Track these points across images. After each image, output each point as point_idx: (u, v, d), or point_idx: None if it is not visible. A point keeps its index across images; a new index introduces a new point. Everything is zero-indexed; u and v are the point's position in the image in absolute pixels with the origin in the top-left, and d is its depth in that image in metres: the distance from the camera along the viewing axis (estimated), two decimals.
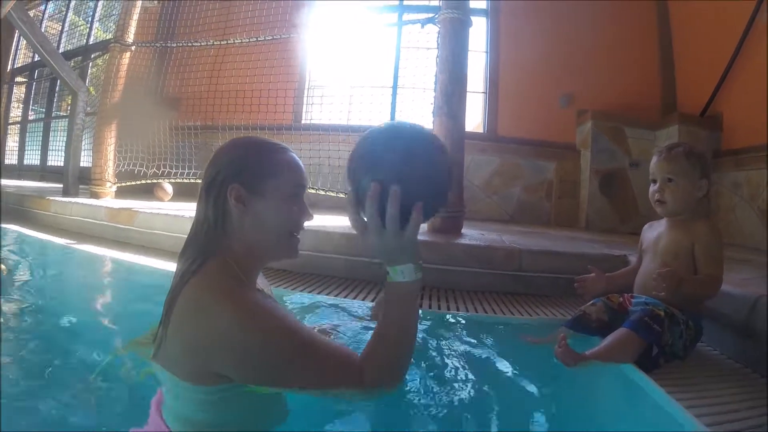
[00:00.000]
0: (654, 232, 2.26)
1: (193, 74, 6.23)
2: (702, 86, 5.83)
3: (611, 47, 6.70)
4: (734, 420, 1.47)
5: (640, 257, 2.32)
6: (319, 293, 2.87)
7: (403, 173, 1.17)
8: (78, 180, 6.01)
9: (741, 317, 2.05)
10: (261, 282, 1.57)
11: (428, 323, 2.30)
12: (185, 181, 5.45)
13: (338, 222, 4.18)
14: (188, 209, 4.16)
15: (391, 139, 1.23)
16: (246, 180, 1.27)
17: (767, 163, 4.69)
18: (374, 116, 6.20)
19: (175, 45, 6.16)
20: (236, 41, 5.68)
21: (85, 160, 6.51)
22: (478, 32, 6.81)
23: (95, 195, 5.55)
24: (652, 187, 2.15)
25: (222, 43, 5.79)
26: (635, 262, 2.38)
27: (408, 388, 1.53)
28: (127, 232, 4.26)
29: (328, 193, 4.73)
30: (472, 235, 3.88)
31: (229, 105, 5.77)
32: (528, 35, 6.76)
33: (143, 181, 5.69)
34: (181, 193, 5.88)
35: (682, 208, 2.09)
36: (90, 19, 9.60)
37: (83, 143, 6.34)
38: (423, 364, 1.72)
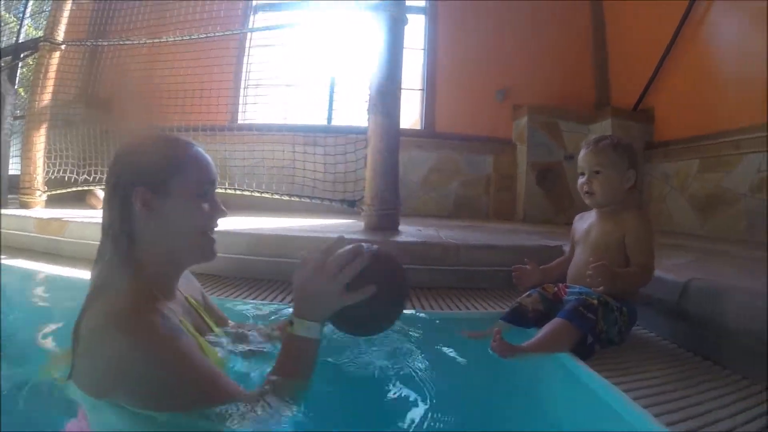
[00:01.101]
0: (585, 223, 2.29)
1: (125, 74, 5.95)
2: (635, 81, 6.06)
3: (546, 43, 6.82)
4: (671, 400, 1.50)
5: (573, 248, 2.34)
6: (254, 299, 2.75)
7: (381, 262, 1.36)
8: (6, 189, 5.65)
9: (673, 300, 2.11)
10: (189, 288, 1.52)
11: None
12: None
13: (274, 224, 4.09)
14: None
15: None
16: (150, 181, 1.20)
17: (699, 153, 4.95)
18: (312, 115, 6.15)
19: (106, 43, 5.82)
20: (169, 39, 5.46)
21: (14, 168, 6.15)
22: (417, 30, 6.80)
23: (24, 205, 5.16)
24: (581, 179, 2.19)
25: (155, 41, 5.53)
26: (568, 253, 2.40)
27: (344, 388, 1.51)
28: (58, 243, 3.97)
29: (263, 194, 4.60)
30: (408, 231, 3.84)
31: (163, 106, 5.55)
32: (465, 32, 6.80)
33: (75, 189, 5.35)
34: None
35: (610, 198, 2.12)
36: (21, 15, 9.09)
37: (11, 149, 6.03)
38: (361, 364, 1.65)
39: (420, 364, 1.70)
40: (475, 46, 6.80)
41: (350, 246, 1.32)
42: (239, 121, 6.55)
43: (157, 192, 1.20)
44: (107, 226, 1.23)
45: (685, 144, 5.21)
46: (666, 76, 5.69)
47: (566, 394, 1.71)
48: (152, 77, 5.67)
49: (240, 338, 1.60)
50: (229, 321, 1.71)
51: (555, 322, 1.88)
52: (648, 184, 5.62)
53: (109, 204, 1.23)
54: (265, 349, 1.57)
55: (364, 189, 4.00)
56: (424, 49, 6.99)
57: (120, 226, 1.20)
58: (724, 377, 1.72)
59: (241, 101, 6.68)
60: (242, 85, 6.78)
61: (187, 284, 1.54)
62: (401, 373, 1.61)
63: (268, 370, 1.26)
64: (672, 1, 5.37)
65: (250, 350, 1.55)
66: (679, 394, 1.55)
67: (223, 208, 1.34)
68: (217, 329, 1.55)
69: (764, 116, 4.19)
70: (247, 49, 6.82)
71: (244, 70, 6.81)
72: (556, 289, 2.23)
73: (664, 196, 5.36)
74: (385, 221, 3.85)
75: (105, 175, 1.28)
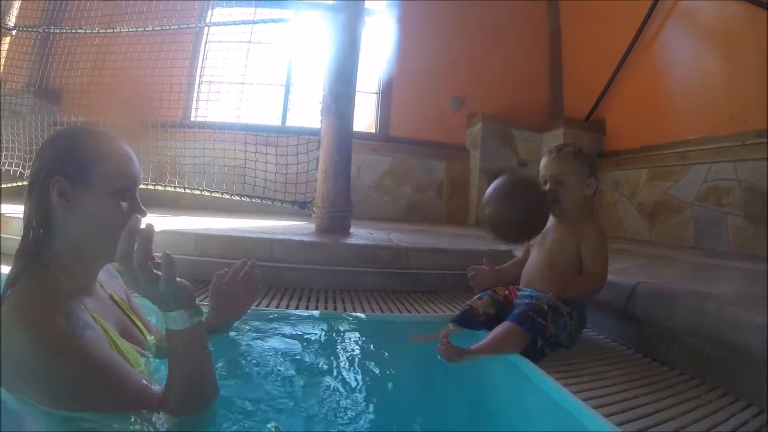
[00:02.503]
0: None
1: (77, 65, 5.61)
2: (587, 93, 6.23)
3: (503, 53, 6.91)
4: (621, 400, 1.51)
5: (527, 250, 2.33)
6: (203, 301, 2.65)
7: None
8: None
9: (621, 303, 2.14)
10: (113, 286, 1.45)
11: (316, 325, 2.17)
12: None
13: (224, 224, 3.98)
14: None
15: None
16: (70, 171, 1.15)
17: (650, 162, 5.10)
18: (266, 115, 6.06)
19: (58, 31, 5.55)
20: (122, 30, 5.27)
21: None
22: (374, 33, 6.77)
23: None
24: (544, 188, 2.15)
25: (108, 31, 5.33)
26: (522, 255, 2.39)
27: (291, 391, 1.44)
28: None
29: (213, 194, 4.49)
30: (360, 234, 3.79)
31: (112, 99, 5.32)
32: (423, 38, 6.82)
33: (22, 183, 5.07)
34: None
35: (573, 206, 2.12)
36: None
37: None
38: (308, 367, 1.61)
39: (369, 368, 1.67)
40: (433, 52, 6.82)
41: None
42: (192, 118, 6.38)
43: (75, 183, 1.15)
44: (27, 221, 1.17)
45: (634, 154, 5.36)
46: (617, 89, 5.85)
47: (516, 395, 1.67)
48: (104, 69, 5.45)
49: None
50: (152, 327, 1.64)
51: (505, 325, 1.85)
52: (599, 191, 5.62)
53: (28, 196, 1.17)
54: None
55: (315, 191, 3.93)
56: (382, 53, 6.96)
57: (38, 219, 1.16)
58: (672, 377, 1.74)
59: (194, 97, 6.51)
60: (196, 81, 6.60)
61: (113, 282, 1.50)
62: (350, 376, 1.58)
63: None
64: (626, 18, 5.54)
65: None
66: (628, 394, 1.55)
67: (143, 208, 1.27)
68: (143, 330, 1.49)
69: (711, 130, 4.39)
70: (203, 45, 6.65)
71: (199, 65, 6.62)
72: (507, 292, 2.21)
73: (614, 203, 5.48)
74: (336, 223, 3.80)
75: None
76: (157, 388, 1.15)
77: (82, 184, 1.15)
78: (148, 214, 1.28)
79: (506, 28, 6.94)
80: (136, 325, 1.46)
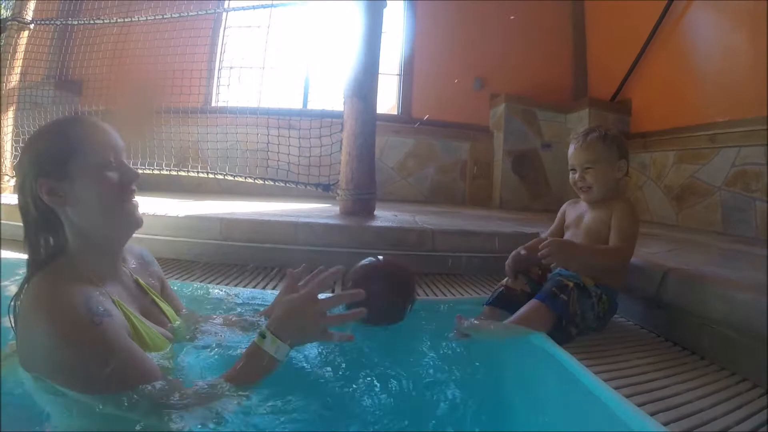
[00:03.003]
0: (577, 210, 2.29)
1: (96, 55, 5.64)
2: (612, 73, 6.10)
3: (526, 33, 6.81)
4: (651, 389, 1.49)
5: (559, 229, 2.32)
6: (230, 284, 2.66)
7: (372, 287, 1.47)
8: None
9: (652, 289, 2.11)
10: (144, 271, 1.51)
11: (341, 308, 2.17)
12: None
13: (248, 208, 4.00)
14: None
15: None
16: (49, 170, 1.17)
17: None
18: (288, 98, 6.06)
19: (76, 23, 5.58)
20: (141, 19, 5.29)
21: None
22: (395, 14, 6.72)
23: None
24: (573, 175, 2.16)
25: (126, 20, 5.34)
26: (552, 231, 2.37)
27: (325, 377, 1.46)
28: None
29: (236, 178, 4.50)
30: (384, 216, 3.78)
31: (133, 88, 5.37)
32: (444, 19, 6.75)
33: None
34: None
35: (604, 191, 2.11)
36: None
37: None
38: (332, 352, 1.61)
39: (395, 352, 1.66)
40: (454, 33, 6.76)
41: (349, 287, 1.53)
42: (213, 104, 6.39)
43: (60, 179, 1.17)
44: (30, 224, 1.21)
45: (661, 136, 5.26)
46: (644, 69, 5.73)
47: (540, 375, 1.67)
48: (123, 58, 5.47)
49: (199, 329, 1.59)
50: (184, 310, 1.68)
51: (530, 303, 1.86)
52: (627, 177, 5.59)
53: (23, 203, 1.21)
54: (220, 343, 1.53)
55: (339, 173, 3.93)
56: (403, 35, 6.90)
57: (41, 220, 1.20)
58: (702, 367, 1.72)
59: (215, 83, 6.51)
60: (217, 67, 6.60)
61: (144, 268, 1.54)
62: (375, 361, 1.58)
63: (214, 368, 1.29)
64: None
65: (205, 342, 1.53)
66: (658, 383, 1.54)
67: (134, 170, 1.30)
68: (175, 317, 1.53)
69: (739, 112, 4.28)
70: (222, 30, 6.64)
71: (218, 51, 6.62)
72: (540, 272, 2.20)
73: (641, 186, 5.40)
74: (360, 206, 3.80)
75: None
76: (170, 378, 1.18)
77: (65, 177, 1.17)
78: (140, 175, 1.33)
79: (529, 7, 6.81)
80: (163, 311, 1.48)
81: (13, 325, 1.15)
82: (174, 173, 4.62)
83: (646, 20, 5.46)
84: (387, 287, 1.71)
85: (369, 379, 1.45)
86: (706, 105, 4.73)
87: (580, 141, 2.12)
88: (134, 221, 1.31)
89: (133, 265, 1.48)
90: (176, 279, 2.61)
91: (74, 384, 1.06)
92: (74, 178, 1.18)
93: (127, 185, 1.28)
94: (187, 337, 1.52)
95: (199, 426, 1.06)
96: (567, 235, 2.25)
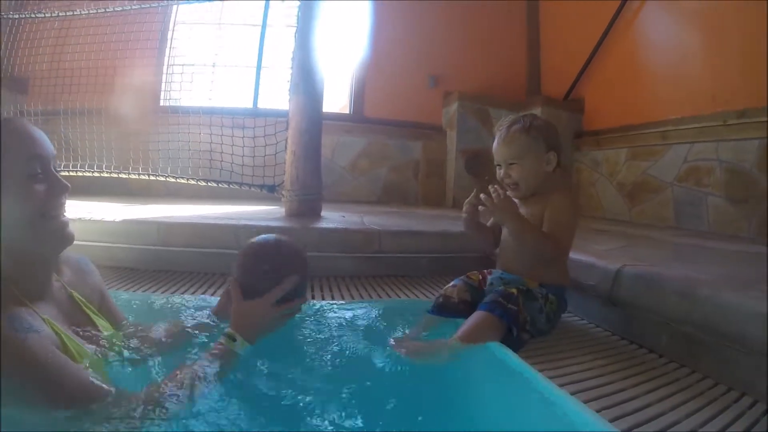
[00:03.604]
0: None
1: (41, 51, 5.22)
2: (566, 72, 6.11)
3: (480, 31, 6.76)
4: (610, 393, 1.42)
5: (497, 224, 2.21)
6: (172, 292, 2.46)
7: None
8: None
9: (606, 287, 2.04)
10: (83, 284, 1.41)
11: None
12: None
13: (189, 211, 3.82)
14: None
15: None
16: None
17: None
18: (237, 97, 5.88)
19: (17, 17, 5.26)
20: (83, 12, 5.01)
21: None
22: (348, 12, 6.58)
23: None
24: (500, 172, 2.02)
25: (68, 14, 5.06)
26: (491, 222, 2.25)
27: (262, 388, 1.32)
28: None
29: (179, 180, 4.29)
30: (331, 217, 3.63)
31: (78, 86, 5.08)
32: (399, 16, 6.63)
33: None
34: None
35: (533, 186, 1.98)
36: None
37: None
38: (281, 360, 1.47)
39: (337, 359, 1.57)
40: (409, 30, 6.65)
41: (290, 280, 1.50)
42: (161, 103, 6.12)
43: None
44: None
45: (614, 133, 5.29)
46: (597, 68, 5.75)
47: (496, 385, 1.56)
48: (63, 54, 5.18)
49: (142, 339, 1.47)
50: (125, 321, 1.57)
51: (476, 315, 1.73)
52: (577, 170, 5.67)
53: None
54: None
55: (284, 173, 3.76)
56: (355, 32, 6.77)
57: None
58: (661, 365, 1.65)
59: (164, 81, 6.24)
60: (166, 63, 6.33)
61: (81, 279, 1.41)
62: (315, 366, 1.51)
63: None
64: None
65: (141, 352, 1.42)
66: (617, 386, 1.47)
67: (64, 182, 1.17)
68: (107, 329, 1.40)
69: (691, 110, 4.32)
70: (171, 25, 6.38)
71: (168, 47, 6.36)
72: (481, 276, 2.10)
73: (594, 182, 5.41)
74: (306, 207, 3.63)
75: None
76: (105, 386, 1.08)
77: None
78: (70, 187, 1.20)
79: (484, 5, 6.77)
80: (97, 326, 1.35)
81: None
82: (115, 176, 4.40)
83: (600, 20, 5.48)
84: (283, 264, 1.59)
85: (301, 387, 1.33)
86: (657, 103, 4.76)
87: (503, 134, 1.97)
88: (63, 238, 1.19)
89: (69, 277, 1.36)
90: (116, 288, 2.42)
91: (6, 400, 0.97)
92: (1, 188, 1.06)
93: (54, 199, 1.14)
94: (126, 350, 1.39)
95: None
96: (504, 230, 2.12)
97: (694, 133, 4.23)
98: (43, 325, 1.09)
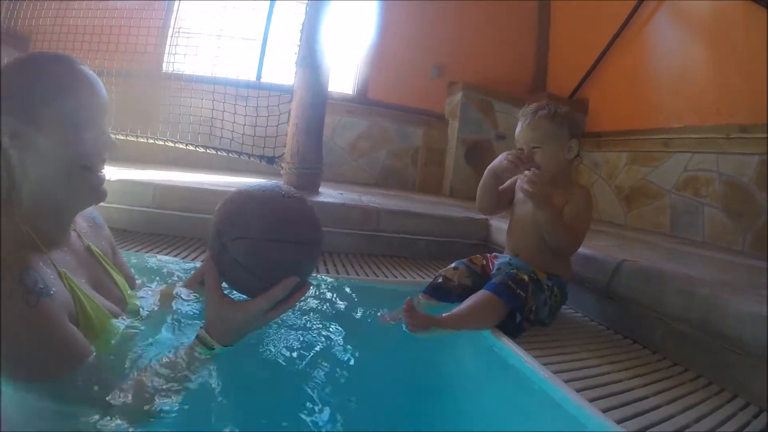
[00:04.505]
0: None
1: (45, 5, 5.09)
2: (572, 71, 6.09)
3: (490, 24, 6.72)
4: (605, 384, 1.42)
5: (508, 190, 2.21)
6: (166, 254, 2.42)
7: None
8: None
9: (604, 280, 2.04)
10: (97, 237, 1.34)
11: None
12: None
13: (187, 177, 3.78)
14: None
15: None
16: (19, 110, 0.98)
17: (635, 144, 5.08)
18: (241, 69, 5.82)
19: None
20: None
21: None
22: None
23: None
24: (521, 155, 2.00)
25: None
26: (503, 188, 2.22)
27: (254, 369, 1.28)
28: None
29: (177, 144, 4.25)
30: (329, 193, 3.61)
31: (82, 44, 4.98)
32: (408, 2, 6.58)
33: None
34: None
35: (554, 172, 1.97)
36: None
37: None
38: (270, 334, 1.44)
39: (326, 340, 1.49)
40: (418, 18, 6.59)
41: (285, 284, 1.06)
42: (164, 68, 6.06)
43: (29, 122, 0.99)
44: None
45: (615, 136, 5.29)
46: (604, 71, 5.74)
47: (492, 372, 1.56)
48: (68, 10, 5.09)
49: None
50: (139, 281, 1.52)
51: (481, 294, 1.72)
52: (577, 171, 5.64)
53: None
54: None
55: (285, 146, 3.74)
56: (364, 15, 6.72)
57: None
58: (654, 362, 1.66)
59: (167, 45, 6.17)
60: (171, 27, 6.26)
61: (96, 232, 1.36)
62: (300, 346, 1.41)
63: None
64: (618, 1, 5.41)
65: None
66: (611, 377, 1.47)
67: (112, 140, 1.12)
68: (126, 288, 1.35)
69: (695, 119, 4.32)
70: None
71: (174, 12, 6.28)
72: (484, 261, 2.10)
73: (592, 184, 5.40)
74: (305, 180, 3.60)
75: None
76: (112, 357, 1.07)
77: (35, 121, 0.99)
78: (117, 146, 1.15)
79: None
80: (115, 281, 1.30)
81: None
82: (115, 137, 4.33)
83: (611, 23, 5.46)
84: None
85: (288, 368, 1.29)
86: (661, 110, 4.75)
87: (528, 119, 1.99)
88: (98, 194, 1.14)
89: (84, 229, 1.30)
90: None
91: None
92: (44, 128, 1.00)
93: (98, 153, 1.10)
94: (142, 311, 1.35)
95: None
96: (517, 211, 2.13)
97: (696, 144, 4.23)
98: (58, 281, 1.02)
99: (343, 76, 6.63)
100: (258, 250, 1.04)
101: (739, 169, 3.80)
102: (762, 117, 3.64)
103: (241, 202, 1.09)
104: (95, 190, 1.13)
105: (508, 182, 2.22)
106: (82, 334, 1.02)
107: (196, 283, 1.47)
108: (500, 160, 2.04)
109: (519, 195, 2.13)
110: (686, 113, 4.43)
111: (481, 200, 2.16)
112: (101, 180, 1.13)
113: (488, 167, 2.09)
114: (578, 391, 1.29)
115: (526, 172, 1.79)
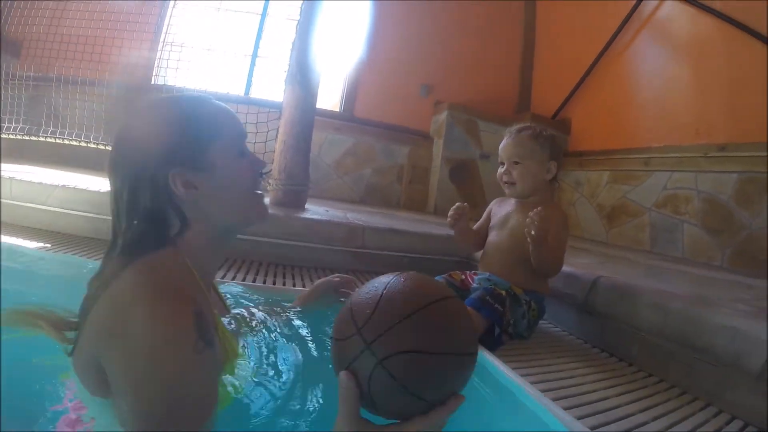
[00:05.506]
0: (503, 209, 2.22)
1: (37, 13, 5.07)
2: (556, 91, 6.24)
3: (476, 45, 6.83)
4: (579, 393, 1.47)
5: (484, 227, 2.26)
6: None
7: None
8: None
9: (582, 295, 2.10)
10: None
11: (260, 299, 1.99)
12: (12, 137, 4.57)
13: None
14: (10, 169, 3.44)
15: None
16: (187, 160, 1.00)
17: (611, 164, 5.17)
18: (230, 83, 5.86)
19: None
20: None
21: None
22: (348, 11, 6.59)
23: None
24: (500, 169, 2.11)
25: None
26: (477, 226, 2.30)
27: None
28: None
29: None
30: (315, 210, 3.64)
31: (74, 53, 4.97)
32: (396, 23, 6.67)
33: None
34: (8, 152, 4.90)
35: (530, 189, 2.06)
36: None
37: None
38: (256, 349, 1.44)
39: (307, 353, 1.48)
40: (406, 38, 6.68)
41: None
42: (152, 81, 6.05)
43: (199, 167, 1.01)
44: (140, 217, 0.98)
45: (597, 156, 5.39)
46: (586, 91, 5.86)
47: (472, 383, 1.58)
48: (62, 19, 5.09)
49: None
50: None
51: None
52: (559, 189, 5.72)
53: (130, 198, 0.98)
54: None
55: (272, 162, 3.77)
56: (353, 34, 6.79)
57: (160, 214, 1.00)
58: (630, 373, 1.70)
59: (157, 58, 6.16)
60: (161, 41, 6.25)
61: None
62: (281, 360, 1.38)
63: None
64: (601, 23, 5.56)
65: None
66: (586, 387, 1.51)
67: (260, 158, 1.15)
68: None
69: (674, 139, 4.45)
70: (171, 5, 6.32)
71: (165, 25, 6.27)
72: (463, 276, 2.14)
73: (574, 202, 5.49)
74: (291, 197, 3.64)
75: (109, 160, 1.02)
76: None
77: (204, 167, 1.02)
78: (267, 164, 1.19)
79: (482, 20, 6.84)
80: (225, 306, 1.34)
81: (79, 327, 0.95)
82: (102, 147, 4.34)
83: (593, 45, 5.59)
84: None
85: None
86: (642, 130, 4.86)
87: (512, 135, 2.08)
88: (263, 212, 1.16)
89: None
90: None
91: (126, 400, 0.83)
92: (214, 169, 1.02)
93: (258, 174, 1.14)
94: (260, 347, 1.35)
95: None
96: (492, 236, 2.19)
97: (675, 162, 4.33)
98: (214, 330, 0.95)
99: (331, 93, 6.69)
100: (421, 364, 0.80)
101: (718, 186, 3.90)
102: (741, 136, 3.77)
103: (386, 308, 0.83)
104: (262, 209, 1.16)
105: (483, 218, 2.30)
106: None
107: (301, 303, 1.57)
108: (453, 215, 2.08)
109: (493, 220, 2.20)
110: (666, 133, 4.55)
111: (463, 249, 2.21)
112: (263, 197, 1.17)
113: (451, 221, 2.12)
114: (554, 400, 1.32)
115: (530, 213, 1.77)
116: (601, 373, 1.66)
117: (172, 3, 6.20)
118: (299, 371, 1.26)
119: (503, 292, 1.83)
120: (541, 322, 2.08)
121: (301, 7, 3.84)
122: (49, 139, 4.29)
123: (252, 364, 1.23)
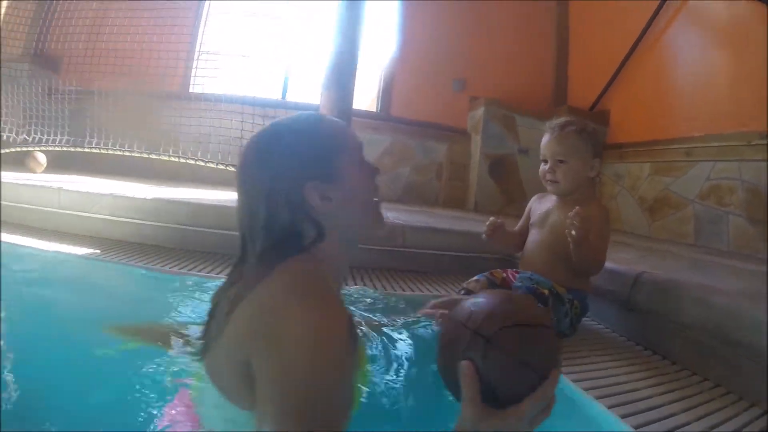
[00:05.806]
0: (543, 206, 2.21)
1: (75, 30, 5.27)
2: (592, 84, 6.12)
3: (509, 39, 6.78)
4: (620, 392, 1.46)
5: (525, 226, 2.26)
6: (200, 270, 2.55)
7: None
8: None
9: (625, 292, 2.08)
10: None
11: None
12: (58, 149, 4.73)
13: (219, 196, 3.89)
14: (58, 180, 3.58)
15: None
16: (320, 172, 1.06)
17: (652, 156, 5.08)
18: (266, 89, 5.94)
19: None
20: None
21: None
22: (379, 11, 6.62)
23: None
24: (543, 167, 2.09)
25: None
26: (519, 227, 2.31)
27: None
28: None
29: (208, 164, 4.37)
30: None
31: (111, 66, 5.14)
32: (428, 19, 6.66)
33: (13, 150, 4.81)
34: (55, 163, 5.11)
35: (574, 187, 2.04)
36: None
37: None
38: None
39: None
40: (438, 34, 6.67)
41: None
42: (191, 89, 6.21)
43: (330, 179, 1.07)
44: (274, 229, 1.04)
45: (637, 147, 5.29)
46: (624, 82, 5.76)
47: None
48: (100, 35, 5.26)
49: None
50: None
51: None
52: (599, 183, 5.62)
53: (266, 210, 1.04)
54: None
55: None
56: (386, 33, 6.81)
57: (295, 226, 1.05)
58: (673, 372, 1.69)
59: (194, 68, 6.32)
60: (197, 50, 6.42)
61: None
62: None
63: None
64: (636, 11, 5.44)
65: None
66: (629, 386, 1.51)
67: (375, 166, 1.22)
68: None
69: (716, 128, 4.31)
70: (204, 15, 6.48)
71: (200, 35, 6.45)
72: (504, 274, 2.14)
73: (615, 195, 5.42)
74: None
75: (239, 173, 1.11)
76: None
77: (335, 178, 1.08)
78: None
79: (515, 13, 6.79)
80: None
81: (215, 327, 1.00)
82: (146, 156, 4.47)
83: (629, 34, 5.49)
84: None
85: None
86: (683, 119, 4.75)
87: (555, 132, 2.04)
88: (382, 219, 1.23)
89: None
90: (144, 263, 2.51)
91: (274, 400, 0.85)
92: (343, 179, 1.08)
93: (376, 182, 1.20)
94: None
95: None
96: (532, 234, 2.19)
97: (718, 152, 4.24)
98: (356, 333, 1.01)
99: (367, 92, 6.73)
100: (525, 334, 0.91)
101: (762, 175, 3.79)
102: None
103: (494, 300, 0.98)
104: (381, 217, 1.22)
105: (523, 217, 2.31)
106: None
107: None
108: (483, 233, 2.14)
109: (533, 218, 2.20)
110: (707, 122, 4.43)
111: (509, 251, 2.21)
112: (380, 205, 1.22)
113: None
114: (597, 398, 1.34)
115: (570, 214, 1.77)
116: (644, 371, 1.66)
117: (206, 13, 6.33)
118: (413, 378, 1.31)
119: (546, 291, 1.83)
120: (583, 319, 2.07)
121: (337, 12, 3.89)
122: (94, 150, 4.41)
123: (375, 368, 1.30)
